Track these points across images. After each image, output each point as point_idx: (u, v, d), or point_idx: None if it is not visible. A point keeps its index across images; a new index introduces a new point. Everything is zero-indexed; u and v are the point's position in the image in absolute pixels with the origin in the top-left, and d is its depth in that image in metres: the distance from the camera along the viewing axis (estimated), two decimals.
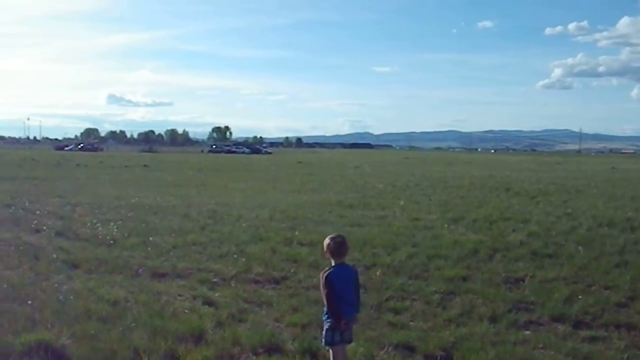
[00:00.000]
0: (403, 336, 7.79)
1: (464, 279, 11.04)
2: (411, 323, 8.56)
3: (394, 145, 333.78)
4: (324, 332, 6.33)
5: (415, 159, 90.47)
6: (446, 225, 17.52)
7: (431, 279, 10.99)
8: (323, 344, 6.39)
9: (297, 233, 15.81)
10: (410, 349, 7.45)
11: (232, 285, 10.60)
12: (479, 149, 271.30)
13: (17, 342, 6.85)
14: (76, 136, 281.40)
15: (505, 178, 42.27)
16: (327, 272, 6.31)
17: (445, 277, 11.01)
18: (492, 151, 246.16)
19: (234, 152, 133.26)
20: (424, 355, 7.27)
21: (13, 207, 20.55)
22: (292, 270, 11.59)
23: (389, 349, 7.27)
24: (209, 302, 9.43)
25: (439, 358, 7.14)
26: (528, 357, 7.14)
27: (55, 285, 10.09)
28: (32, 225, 16.59)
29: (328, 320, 6.24)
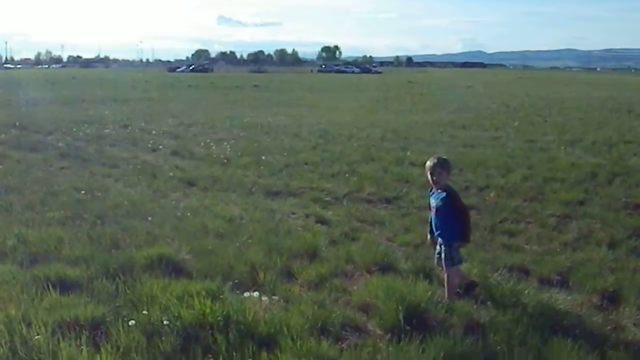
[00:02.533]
0: (517, 259, 7.48)
1: (581, 203, 10.47)
2: (526, 246, 8.23)
3: (507, 65, 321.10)
4: (451, 253, 6.20)
5: (529, 79, 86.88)
6: (563, 148, 16.71)
7: (547, 202, 10.50)
8: (451, 265, 6.22)
9: (408, 153, 15.55)
10: (524, 271, 7.14)
11: (345, 204, 10.54)
12: (598, 69, 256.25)
13: (139, 256, 7.05)
14: (187, 58, 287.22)
15: (626, 99, 39.69)
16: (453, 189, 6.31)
17: (562, 201, 10.49)
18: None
19: (344, 71, 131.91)
20: (538, 278, 6.93)
21: (130, 128, 21.32)
22: (404, 190, 11.39)
23: (503, 271, 6.99)
24: (321, 221, 9.42)
25: (554, 282, 6.79)
26: None
27: (173, 202, 10.36)
28: (149, 145, 17.14)
29: (456, 241, 6.23)
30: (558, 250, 7.99)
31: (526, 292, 6.23)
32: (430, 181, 6.28)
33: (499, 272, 6.95)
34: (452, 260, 6.22)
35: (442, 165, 6.25)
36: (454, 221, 6.19)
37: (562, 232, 8.87)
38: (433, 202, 6.33)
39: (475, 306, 5.95)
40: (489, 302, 6.03)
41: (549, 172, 12.88)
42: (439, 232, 6.31)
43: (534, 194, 11.08)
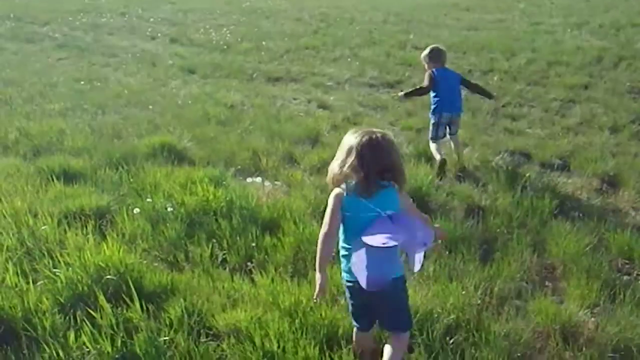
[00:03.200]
0: (519, 142, 7.50)
1: (586, 87, 10.36)
2: (528, 130, 8.22)
3: None
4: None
5: None
6: (569, 30, 16.28)
7: (550, 86, 10.39)
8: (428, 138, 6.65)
9: (411, 36, 15.24)
10: (526, 155, 7.17)
11: (346, 88, 10.46)
12: None
13: (142, 145, 7.07)
14: None
15: None
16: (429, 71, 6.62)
17: (566, 85, 10.36)
18: None
19: None
20: (539, 162, 6.96)
21: (127, 16, 20.85)
22: (406, 74, 11.26)
23: (505, 155, 7.01)
24: (323, 106, 9.38)
25: (555, 166, 6.81)
26: None
27: (174, 90, 10.29)
28: (147, 33, 16.83)
29: (432, 115, 6.67)
30: (560, 134, 7.98)
31: (527, 175, 6.25)
32: None
33: (501, 155, 6.98)
34: (431, 134, 6.71)
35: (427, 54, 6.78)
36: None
37: (565, 117, 8.83)
38: None
39: (476, 189, 6.00)
40: (489, 185, 6.08)
41: (553, 56, 12.64)
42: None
43: (538, 78, 10.94)
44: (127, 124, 8.08)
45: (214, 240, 4.76)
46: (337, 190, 3.17)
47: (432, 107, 6.65)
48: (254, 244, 4.70)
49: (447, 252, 4.64)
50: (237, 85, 10.61)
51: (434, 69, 6.58)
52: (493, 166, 6.60)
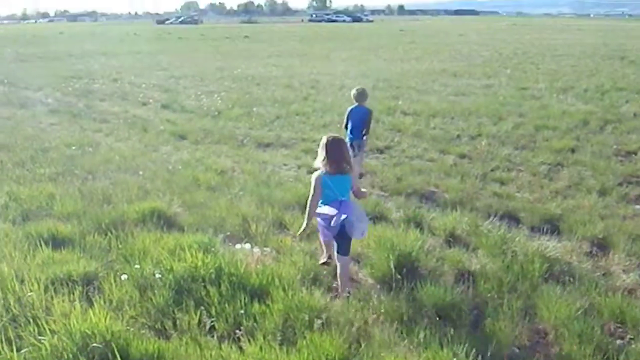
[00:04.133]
0: (508, 207, 7.53)
1: (573, 150, 10.52)
2: (517, 194, 8.26)
3: (500, 12, 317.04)
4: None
5: (522, 26, 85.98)
6: (555, 95, 16.67)
7: (538, 150, 10.53)
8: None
9: (400, 102, 15.49)
10: (515, 219, 7.21)
11: None
12: (592, 15, 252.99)
13: (131, 211, 7.05)
14: (176, 10, 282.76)
15: (620, 46, 39.32)
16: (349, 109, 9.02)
17: (553, 149, 10.53)
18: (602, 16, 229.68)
19: (335, 20, 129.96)
20: (529, 226, 7.00)
21: (119, 82, 21.13)
22: (395, 140, 11.38)
23: (494, 220, 7.03)
24: (313, 171, 9.39)
25: (545, 230, 6.84)
26: (638, 232, 6.71)
27: (164, 155, 10.33)
28: (139, 99, 17.03)
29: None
30: (549, 198, 8.04)
31: (517, 239, 6.28)
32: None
33: (490, 220, 7.00)
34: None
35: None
36: None
37: (553, 180, 8.90)
38: None
39: (465, 254, 6.00)
40: (479, 251, 6.08)
41: (540, 120, 12.87)
42: None
43: (526, 142, 11.09)
44: (117, 189, 8.07)
45: (202, 308, 4.71)
46: (317, 173, 5.22)
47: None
48: (242, 311, 4.66)
49: (437, 318, 4.60)
50: (227, 151, 10.68)
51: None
52: (483, 231, 6.60)
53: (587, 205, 7.60)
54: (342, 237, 5.13)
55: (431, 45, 40.90)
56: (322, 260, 5.81)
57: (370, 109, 9.19)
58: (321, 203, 5.24)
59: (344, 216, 4.99)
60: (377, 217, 7.08)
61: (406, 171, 9.24)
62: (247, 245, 6.16)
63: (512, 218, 7.24)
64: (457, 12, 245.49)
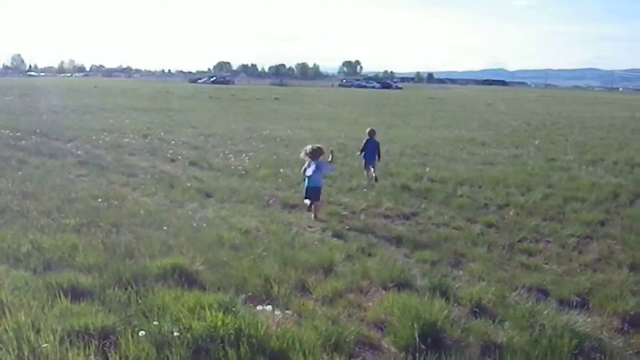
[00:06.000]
0: (536, 279, 7.33)
1: (602, 223, 10.34)
2: (545, 266, 8.08)
3: (529, 83, 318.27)
4: None
5: (551, 97, 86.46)
6: (584, 167, 16.56)
7: (567, 222, 10.36)
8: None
9: (427, 169, 15.47)
10: (543, 292, 7.01)
11: (362, 218, 10.44)
12: (621, 89, 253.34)
13: (153, 266, 7.00)
14: (209, 69, 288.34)
15: None
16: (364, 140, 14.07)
17: (582, 221, 10.35)
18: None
19: (364, 86, 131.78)
20: (557, 299, 6.80)
21: (149, 137, 21.41)
22: (422, 207, 11.28)
23: (521, 291, 6.86)
24: (338, 235, 9.33)
25: (574, 303, 6.64)
26: None
27: (189, 212, 10.32)
28: (168, 155, 17.19)
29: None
30: (578, 270, 7.84)
31: (545, 312, 6.09)
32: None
33: (517, 291, 6.83)
34: None
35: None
36: None
37: (582, 253, 8.71)
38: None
39: (492, 326, 5.82)
40: (506, 323, 5.91)
41: (569, 192, 12.72)
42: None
43: (554, 213, 10.93)
44: (140, 243, 8.04)
45: None
46: (306, 158, 10.55)
47: None
48: None
49: None
50: (252, 211, 10.66)
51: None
52: (510, 302, 6.43)
53: (617, 280, 7.41)
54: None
55: (460, 114, 41.18)
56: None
57: (378, 141, 13.97)
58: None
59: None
60: (402, 284, 6.94)
61: (432, 238, 9.12)
62: (269, 307, 6.04)
63: (540, 290, 7.04)
64: (486, 82, 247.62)
